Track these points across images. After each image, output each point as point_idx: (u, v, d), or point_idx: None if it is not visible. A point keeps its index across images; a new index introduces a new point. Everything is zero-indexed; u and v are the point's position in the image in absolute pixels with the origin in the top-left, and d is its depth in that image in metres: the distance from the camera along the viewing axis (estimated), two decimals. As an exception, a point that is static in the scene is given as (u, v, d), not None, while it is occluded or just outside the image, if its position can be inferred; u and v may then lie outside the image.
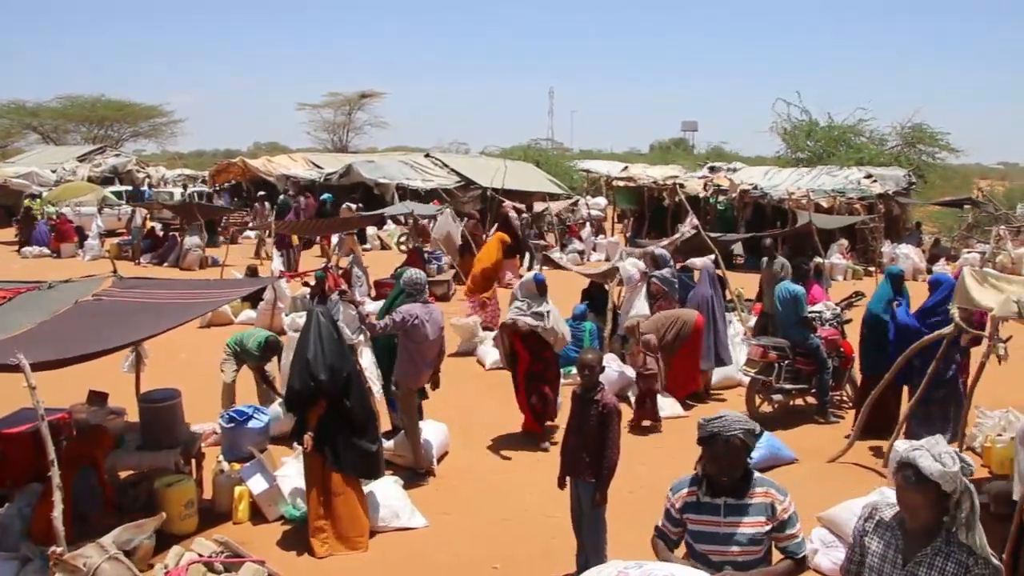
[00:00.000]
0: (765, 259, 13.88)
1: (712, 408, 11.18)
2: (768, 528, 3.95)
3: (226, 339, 10.24)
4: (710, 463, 4.00)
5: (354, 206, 27.26)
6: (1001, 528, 6.27)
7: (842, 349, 11.10)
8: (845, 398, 11.25)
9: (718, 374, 11.84)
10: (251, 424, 8.77)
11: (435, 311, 8.62)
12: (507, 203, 24.25)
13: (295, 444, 7.44)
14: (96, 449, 7.10)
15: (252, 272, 17.25)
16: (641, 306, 11.88)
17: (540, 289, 9.94)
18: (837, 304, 12.55)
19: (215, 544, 6.25)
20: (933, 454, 3.34)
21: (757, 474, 4.05)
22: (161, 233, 26.29)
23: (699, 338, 11.30)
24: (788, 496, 4.01)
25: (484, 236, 21.35)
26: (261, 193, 31.30)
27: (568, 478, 6.43)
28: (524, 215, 24.79)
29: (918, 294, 10.27)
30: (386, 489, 7.65)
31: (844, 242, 24.28)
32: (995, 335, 7.20)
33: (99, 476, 6.99)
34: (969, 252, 25.00)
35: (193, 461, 8.11)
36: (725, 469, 3.95)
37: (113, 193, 32.85)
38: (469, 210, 26.67)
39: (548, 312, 9.73)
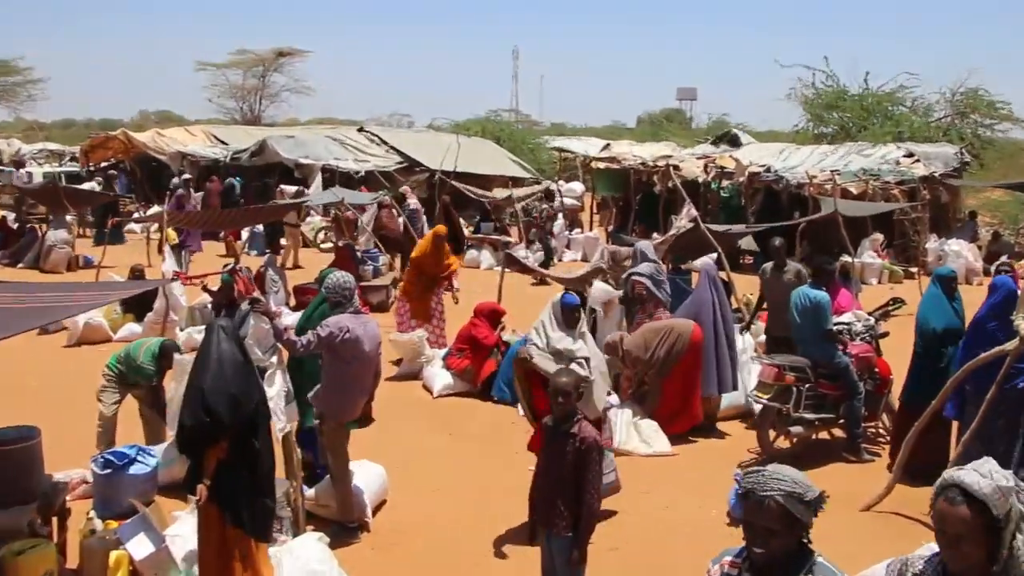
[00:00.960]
0: (770, 264, 12.96)
1: (714, 445, 11.23)
2: None
3: (103, 359, 10.11)
4: (745, 529, 3.80)
5: (292, 188, 27.13)
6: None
7: (877, 370, 11.17)
8: (882, 430, 11.33)
9: (723, 400, 11.88)
10: (133, 470, 8.68)
11: (370, 323, 8.57)
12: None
13: (189, 494, 7.34)
14: None
15: (138, 275, 17.07)
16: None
17: (568, 317, 8.91)
18: (870, 314, 12.64)
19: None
20: (981, 472, 3.43)
21: (820, 559, 3.72)
22: (15, 225, 25.90)
23: (697, 356, 11.30)
24: None
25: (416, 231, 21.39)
26: (187, 177, 30.67)
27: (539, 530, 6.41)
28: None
29: (973, 301, 10.23)
30: (307, 549, 7.53)
31: (879, 236, 24.48)
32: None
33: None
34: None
35: (55, 520, 7.92)
36: (756, 539, 3.72)
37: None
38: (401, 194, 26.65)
39: (585, 358, 8.58)
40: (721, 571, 3.89)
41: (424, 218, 24.50)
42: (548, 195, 31.36)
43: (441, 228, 15.93)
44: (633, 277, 12.17)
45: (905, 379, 10.36)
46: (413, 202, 24.80)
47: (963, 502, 3.39)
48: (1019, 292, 8.87)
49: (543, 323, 8.87)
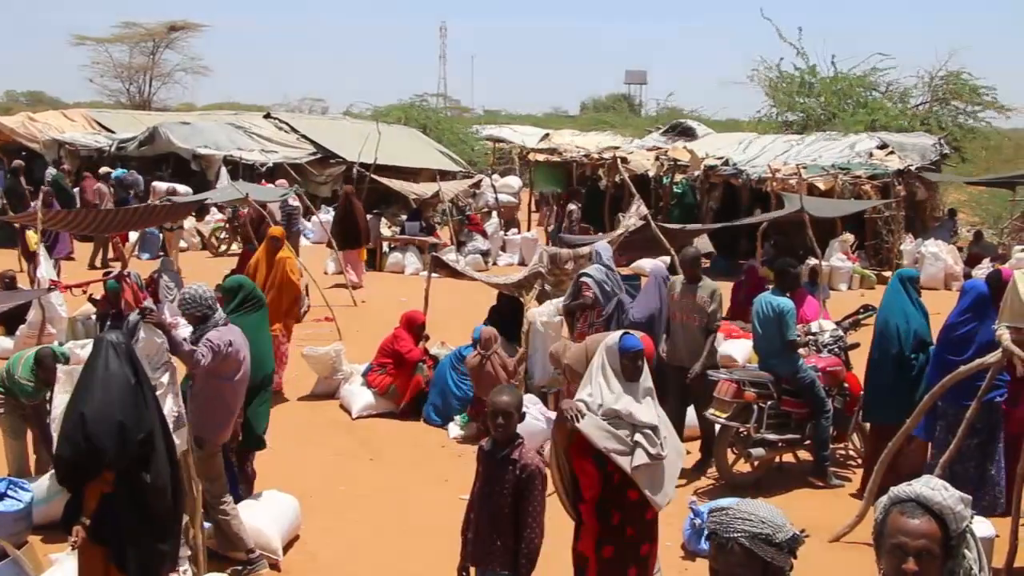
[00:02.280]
0: (680, 278, 11.84)
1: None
2: None
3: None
4: (710, 572, 3.79)
5: (179, 187, 26.65)
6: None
7: (846, 385, 11.32)
8: (852, 452, 11.50)
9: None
10: (3, 506, 8.61)
11: (241, 333, 8.59)
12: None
13: (67, 534, 7.28)
14: None
15: (8, 282, 16.83)
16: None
17: (630, 367, 6.91)
18: (839, 323, 12.83)
19: None
20: (932, 486, 3.60)
21: None
22: None
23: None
24: None
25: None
26: (58, 168, 30.21)
27: (472, 569, 6.41)
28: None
29: (951, 307, 10.21)
30: (208, 592, 7.58)
31: (849, 237, 24.72)
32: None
33: None
34: (1023, 250, 25.66)
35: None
36: None
37: None
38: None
39: (652, 426, 6.80)
40: None
41: (303, 220, 23.84)
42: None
43: (277, 230, 14.98)
44: (582, 279, 12.26)
45: (864, 393, 10.56)
46: (292, 201, 24.57)
47: (924, 515, 3.54)
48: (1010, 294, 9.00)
49: (594, 373, 7.07)
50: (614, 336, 7.09)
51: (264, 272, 13.65)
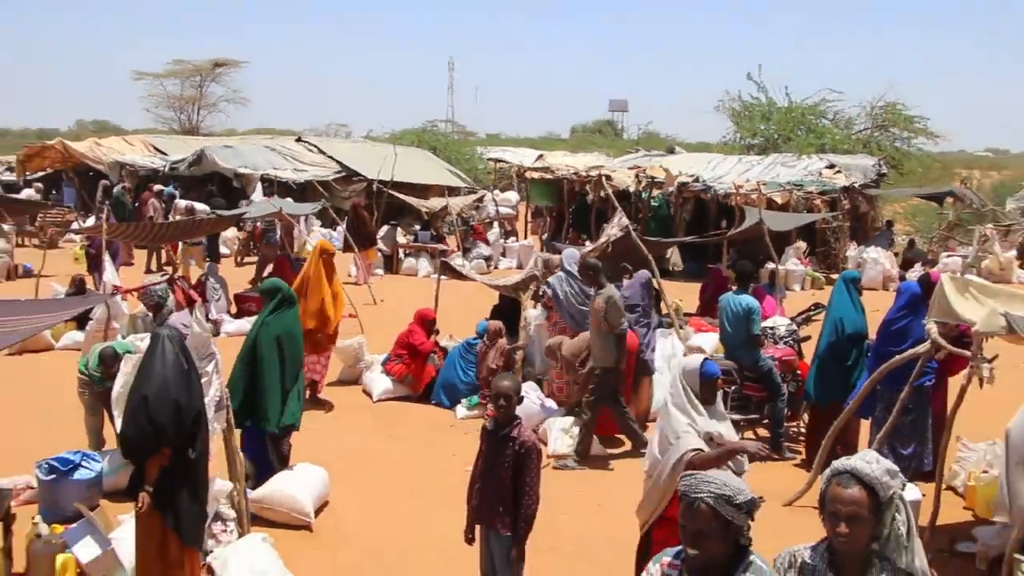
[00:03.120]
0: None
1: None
2: None
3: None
4: (679, 531, 3.78)
5: (197, 205, 26.18)
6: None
7: (799, 372, 11.40)
8: (803, 429, 11.56)
9: (654, 401, 12.03)
10: (78, 475, 8.62)
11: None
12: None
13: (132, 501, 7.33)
14: None
15: (79, 286, 16.87)
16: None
17: (709, 392, 6.50)
18: (793, 318, 12.90)
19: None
20: (867, 459, 3.74)
21: (755, 559, 3.73)
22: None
23: (627, 365, 11.32)
24: None
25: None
26: (124, 184, 30.15)
27: (478, 529, 6.46)
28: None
29: (888, 305, 10.36)
30: (251, 548, 7.56)
31: (802, 245, 24.81)
32: (978, 355, 7.38)
33: None
34: (949, 256, 25.69)
35: (0, 525, 7.90)
36: (689, 540, 3.72)
37: None
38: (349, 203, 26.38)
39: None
40: (661, 571, 3.90)
41: (278, 235, 23.52)
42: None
43: (327, 244, 13.34)
44: (543, 287, 12.56)
45: (811, 378, 10.55)
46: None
47: (856, 484, 3.67)
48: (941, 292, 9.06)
49: (685, 395, 6.42)
50: (693, 361, 6.61)
51: (316, 281, 12.21)
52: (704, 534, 3.67)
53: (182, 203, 25.75)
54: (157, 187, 29.09)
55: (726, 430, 6.43)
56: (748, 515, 3.73)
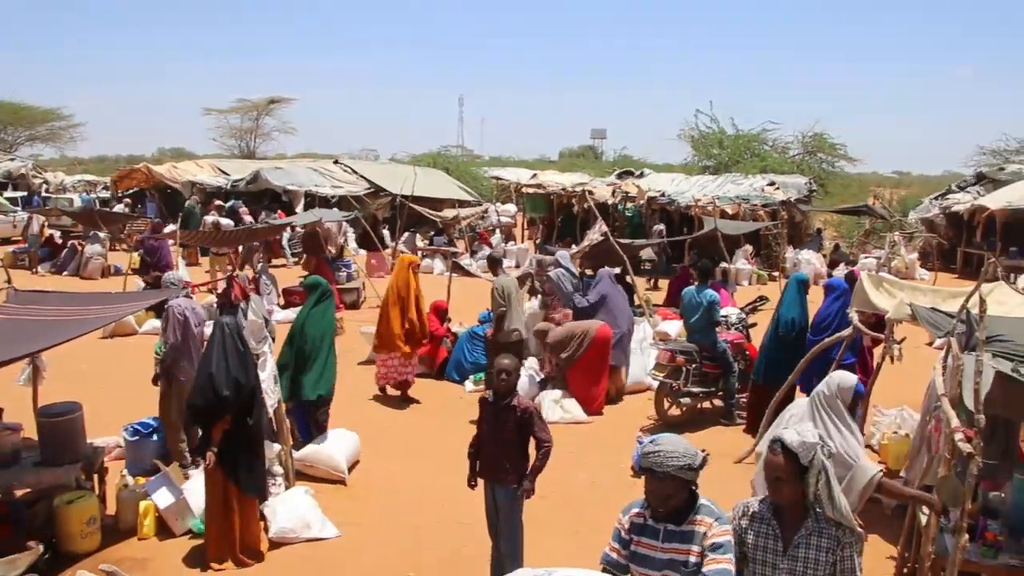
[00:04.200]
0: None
1: (621, 413, 11.34)
2: (698, 557, 3.78)
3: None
4: (647, 494, 3.87)
5: (222, 220, 25.32)
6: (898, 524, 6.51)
7: (747, 352, 11.37)
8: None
9: (628, 378, 12.01)
10: (156, 437, 8.61)
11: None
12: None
13: (200, 459, 7.30)
14: None
15: (155, 281, 16.81)
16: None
17: (853, 407, 6.09)
18: (742, 308, 12.85)
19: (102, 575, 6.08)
20: (797, 430, 3.79)
21: (703, 501, 3.86)
22: (60, 241, 25.39)
23: (602, 350, 11.30)
24: (722, 524, 3.84)
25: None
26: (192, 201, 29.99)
27: (482, 483, 6.35)
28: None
29: (816, 298, 10.49)
30: (296, 500, 7.57)
31: (749, 248, 24.82)
32: (890, 337, 7.45)
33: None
34: (867, 257, 25.76)
35: (95, 476, 7.86)
36: (658, 502, 3.83)
37: (7, 199, 31.62)
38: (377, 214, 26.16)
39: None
40: (630, 520, 3.95)
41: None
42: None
43: (413, 257, 12.36)
44: (544, 277, 12.53)
45: (758, 359, 10.50)
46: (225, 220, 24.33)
47: (780, 452, 3.76)
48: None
49: (845, 414, 5.77)
50: (848, 379, 5.93)
51: (406, 290, 11.46)
52: (671, 495, 3.79)
53: (209, 218, 25.30)
54: (217, 202, 28.98)
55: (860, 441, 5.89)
56: (700, 470, 3.82)
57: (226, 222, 24.80)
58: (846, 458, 5.57)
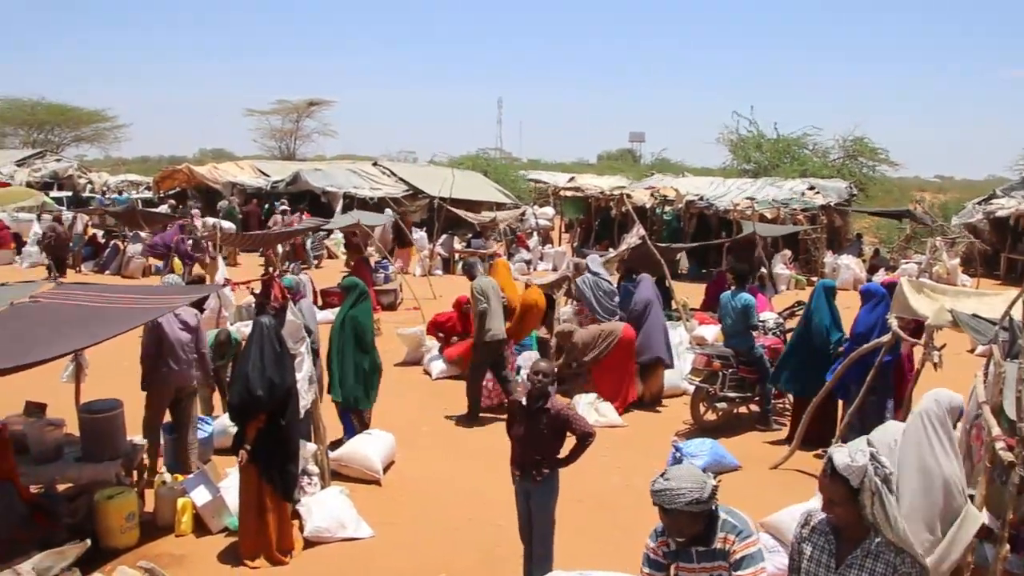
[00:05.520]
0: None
1: (657, 417, 11.27)
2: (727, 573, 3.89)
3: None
4: (664, 527, 3.96)
5: (224, 223, 24.78)
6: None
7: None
8: (788, 406, 11.39)
9: (666, 382, 11.93)
10: (205, 431, 8.70)
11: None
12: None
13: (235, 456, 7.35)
14: (4, 462, 6.69)
15: (199, 279, 17.01)
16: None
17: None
18: (780, 313, 12.73)
19: (139, 572, 6.15)
20: (849, 451, 3.61)
21: (724, 516, 3.90)
22: (103, 240, 25.75)
23: (627, 351, 11.29)
24: (747, 537, 3.88)
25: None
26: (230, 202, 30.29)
27: (516, 484, 6.30)
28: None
29: (856, 304, 10.29)
30: (331, 499, 7.60)
31: (787, 252, 24.61)
32: (930, 343, 7.34)
33: (18, 491, 6.67)
34: (907, 262, 25.45)
35: (135, 473, 7.96)
36: (675, 534, 3.89)
37: (53, 199, 32.13)
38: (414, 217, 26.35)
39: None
40: (664, 548, 4.02)
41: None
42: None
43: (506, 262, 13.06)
44: (573, 285, 12.57)
45: (776, 368, 10.33)
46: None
47: (831, 474, 3.60)
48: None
49: (952, 435, 5.07)
50: (957, 399, 5.18)
51: (511, 292, 12.01)
52: (686, 527, 3.83)
53: (210, 221, 25.04)
54: (254, 201, 29.26)
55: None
56: (713, 498, 3.81)
57: (229, 225, 24.82)
58: (956, 493, 4.82)
